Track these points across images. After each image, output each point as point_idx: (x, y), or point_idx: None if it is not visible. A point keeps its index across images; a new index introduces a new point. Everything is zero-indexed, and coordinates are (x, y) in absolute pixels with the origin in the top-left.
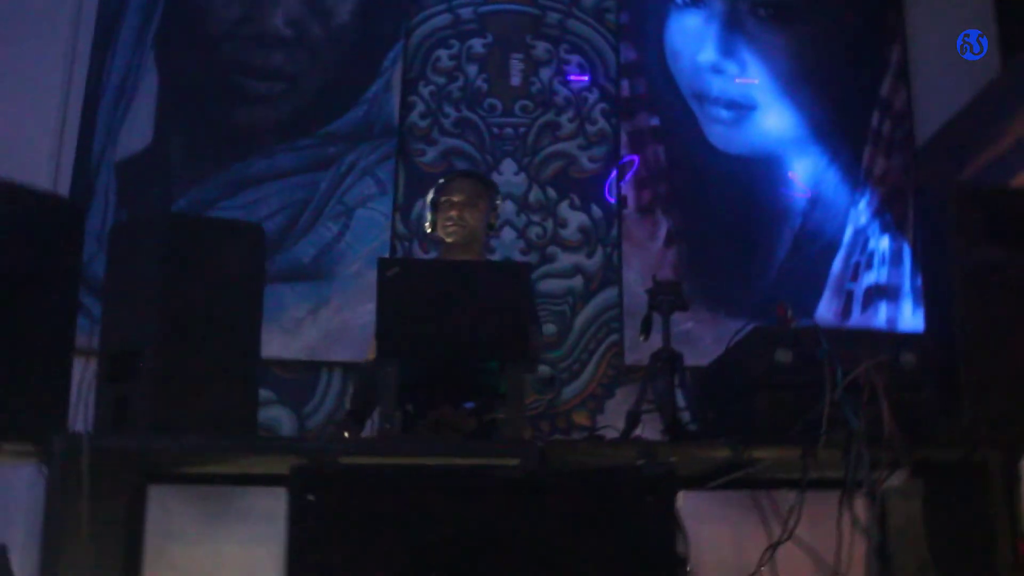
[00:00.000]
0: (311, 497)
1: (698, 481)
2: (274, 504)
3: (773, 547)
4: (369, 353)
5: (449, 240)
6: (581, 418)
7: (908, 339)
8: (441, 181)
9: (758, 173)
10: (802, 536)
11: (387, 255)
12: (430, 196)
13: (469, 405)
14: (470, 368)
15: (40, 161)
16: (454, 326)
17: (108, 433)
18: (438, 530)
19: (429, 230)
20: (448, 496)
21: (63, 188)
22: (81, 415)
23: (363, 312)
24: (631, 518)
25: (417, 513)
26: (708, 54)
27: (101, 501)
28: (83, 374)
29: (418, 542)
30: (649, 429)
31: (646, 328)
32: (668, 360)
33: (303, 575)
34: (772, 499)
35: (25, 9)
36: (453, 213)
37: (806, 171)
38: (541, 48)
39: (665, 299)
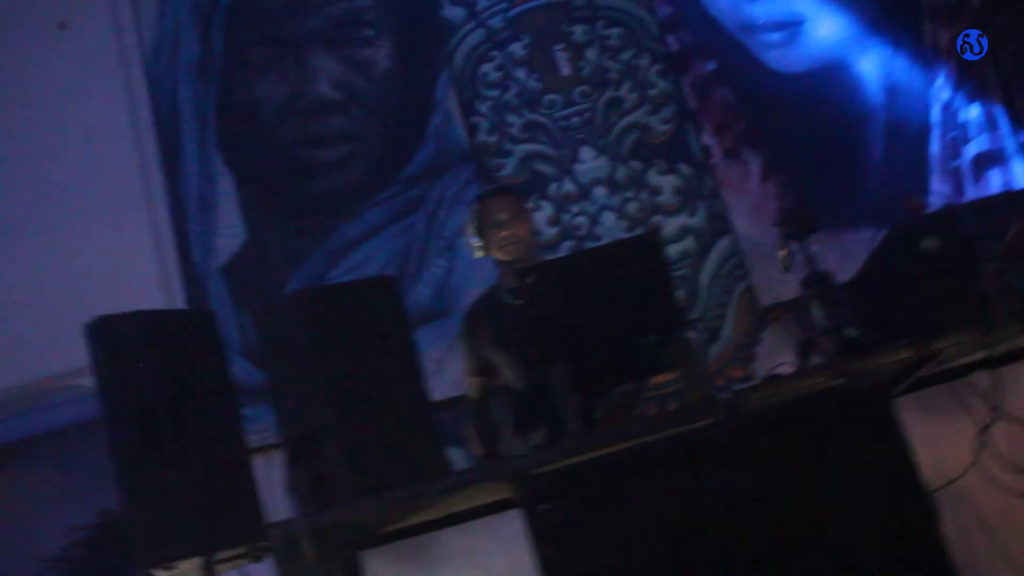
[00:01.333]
0: (545, 507)
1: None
2: (471, 540)
3: (984, 430)
4: (468, 390)
5: (509, 259)
6: (735, 371)
7: None
8: (476, 206)
9: (827, 83)
10: (1012, 411)
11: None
12: (472, 224)
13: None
14: (630, 349)
15: (150, 287)
16: (604, 313)
17: (316, 511)
18: (672, 503)
19: (480, 255)
20: (667, 469)
21: (179, 305)
22: (278, 507)
23: None
24: (854, 437)
25: (645, 493)
26: None
27: None
28: (265, 470)
29: (660, 518)
30: (815, 356)
31: (787, 260)
32: (819, 282)
33: None
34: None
35: (90, 150)
36: (505, 234)
37: (875, 65)
38: (579, 31)
39: (797, 225)
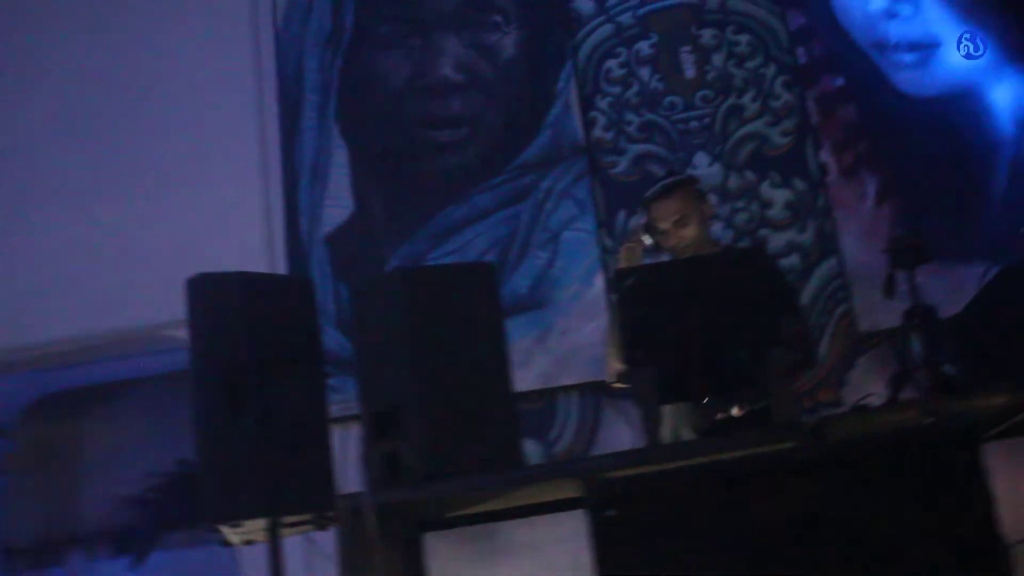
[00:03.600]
0: (611, 512)
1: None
2: (533, 534)
3: None
4: (609, 369)
5: (679, 255)
6: (826, 395)
7: None
8: (645, 205)
9: (956, 110)
10: None
11: (599, 272)
12: (642, 222)
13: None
14: (724, 361)
15: (255, 249)
16: (700, 322)
17: (385, 489)
18: (741, 524)
19: (654, 248)
20: (741, 489)
21: (280, 271)
22: (350, 479)
23: (588, 332)
24: (937, 480)
25: (716, 510)
26: (878, 0)
27: (387, 555)
28: (342, 441)
29: (727, 539)
30: (907, 389)
31: (890, 287)
32: (923, 315)
33: None
34: None
35: (213, 110)
36: (673, 240)
37: (1007, 96)
38: (707, 35)
39: (907, 253)
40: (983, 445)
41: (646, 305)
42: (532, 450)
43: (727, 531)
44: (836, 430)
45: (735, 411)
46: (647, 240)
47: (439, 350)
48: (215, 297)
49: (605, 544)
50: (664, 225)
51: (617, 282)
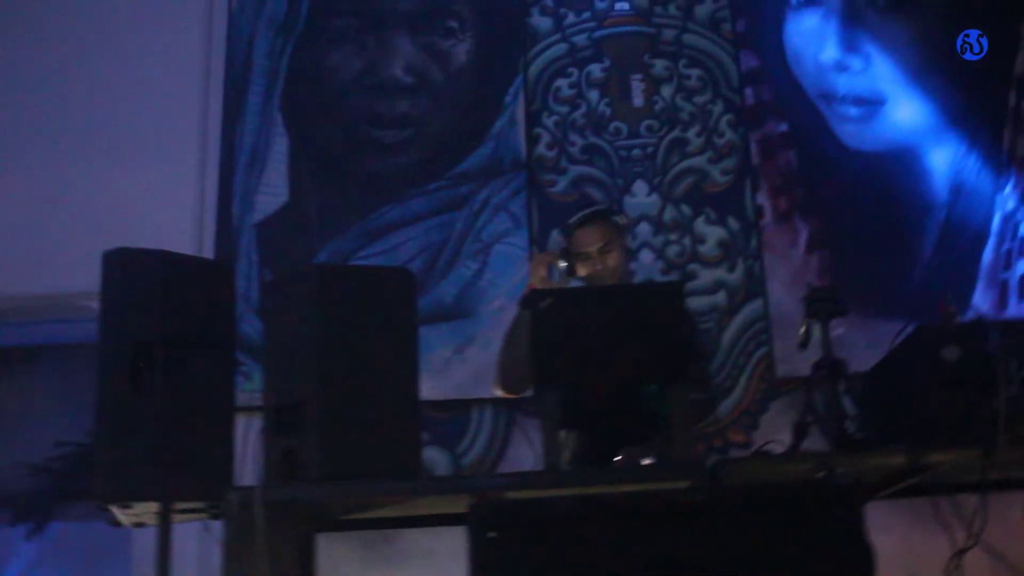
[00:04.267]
0: (492, 534)
1: (870, 490)
2: (433, 543)
3: (959, 554)
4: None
5: (596, 283)
6: (737, 435)
7: None
8: (568, 230)
9: (895, 168)
10: (990, 541)
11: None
12: (562, 246)
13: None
14: (630, 394)
15: (184, 230)
16: (611, 352)
17: (279, 485)
18: (624, 560)
19: (567, 275)
20: (629, 524)
21: (207, 254)
22: (248, 470)
23: None
24: (818, 534)
25: (600, 544)
26: (830, 52)
27: (275, 551)
28: (246, 431)
29: (604, 573)
30: (811, 440)
31: (805, 337)
32: (831, 368)
33: None
34: (953, 504)
35: (157, 83)
36: (598, 266)
37: (945, 160)
38: (660, 66)
39: (822, 305)
40: (876, 502)
41: (560, 328)
42: (440, 460)
43: (606, 566)
44: (732, 474)
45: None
46: (562, 264)
47: (348, 351)
48: (131, 272)
49: (482, 565)
50: (590, 250)
51: (532, 300)
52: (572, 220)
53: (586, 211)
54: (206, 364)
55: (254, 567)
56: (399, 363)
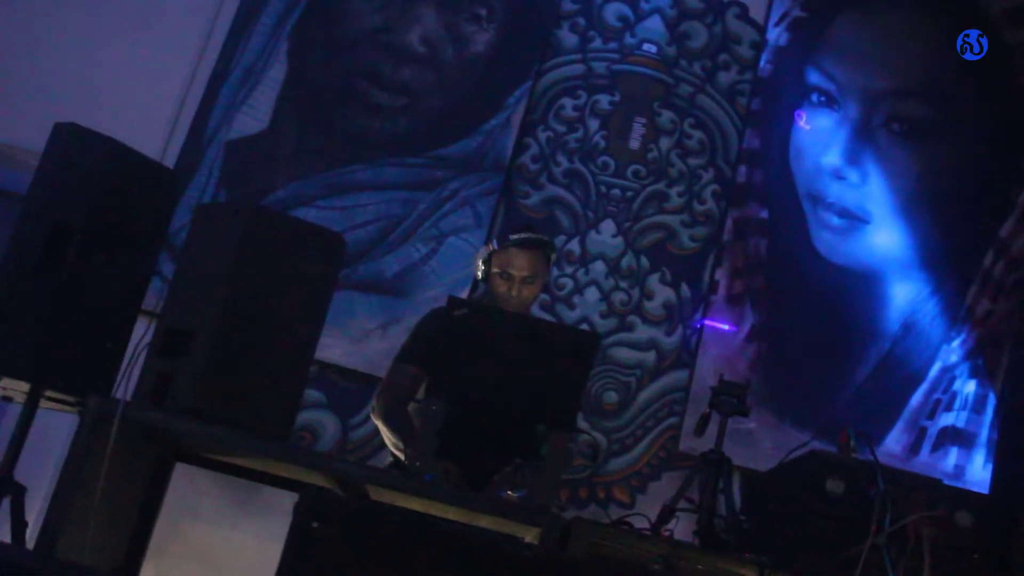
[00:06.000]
0: (315, 524)
1: None
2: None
3: None
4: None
5: (501, 305)
6: (621, 494)
7: (969, 497)
8: (505, 242)
9: (857, 288)
10: None
11: (468, 289)
12: (490, 251)
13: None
14: (516, 426)
15: (157, 126)
16: (509, 381)
17: (145, 406)
18: None
19: (480, 277)
20: (455, 558)
21: (172, 155)
22: (127, 379)
23: None
24: None
25: (419, 568)
26: (832, 158)
27: (124, 467)
28: (140, 339)
29: None
30: (683, 527)
31: (702, 425)
32: (716, 462)
33: None
34: None
35: None
36: (514, 291)
37: (906, 296)
38: (666, 117)
39: (727, 400)
40: None
41: (468, 343)
42: (330, 426)
43: None
44: (585, 536)
45: (510, 493)
46: (480, 269)
47: (256, 297)
48: (75, 151)
49: (296, 551)
50: (517, 273)
51: (448, 308)
52: (516, 237)
53: (533, 235)
54: (124, 262)
55: (93, 478)
56: (303, 324)
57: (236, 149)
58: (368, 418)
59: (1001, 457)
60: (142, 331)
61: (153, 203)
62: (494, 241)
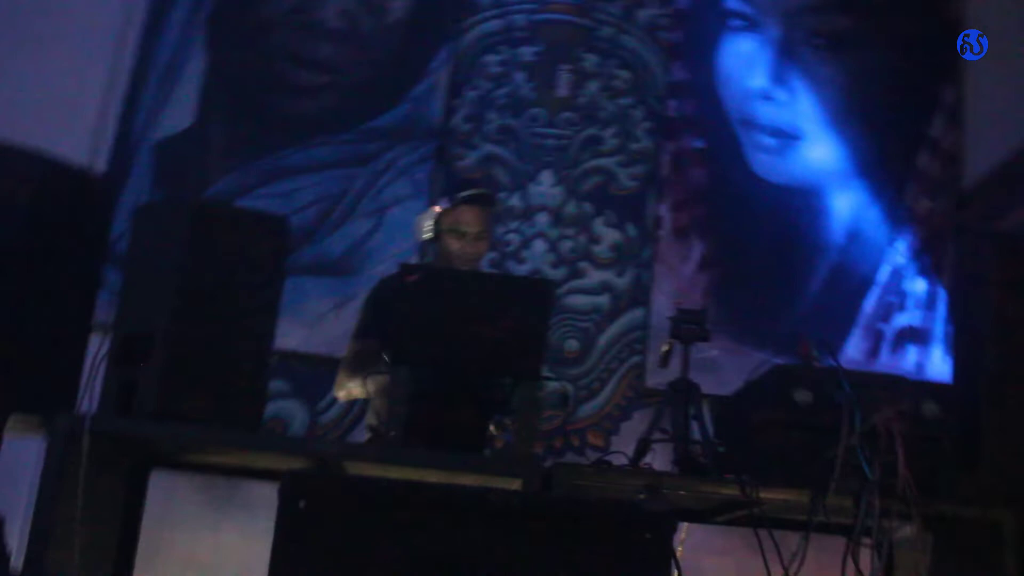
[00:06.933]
0: (302, 504)
1: (705, 515)
2: (274, 495)
3: None
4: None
5: (454, 264)
6: (596, 438)
7: (933, 388)
8: (453, 202)
9: (798, 204)
10: None
11: (415, 258)
12: (438, 212)
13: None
14: (483, 382)
15: (81, 134)
16: (471, 337)
17: (112, 416)
18: (430, 551)
19: (430, 238)
20: (443, 517)
21: (101, 162)
22: (90, 393)
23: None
24: (627, 554)
25: (410, 532)
26: (759, 80)
27: (100, 482)
28: (96, 352)
29: (408, 562)
30: (660, 458)
31: (666, 357)
32: (684, 391)
33: None
34: (777, 540)
35: None
36: (468, 248)
37: (847, 206)
38: (591, 61)
39: (687, 328)
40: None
41: (425, 306)
42: (298, 414)
43: (407, 553)
44: (567, 479)
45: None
46: (428, 230)
47: (207, 292)
48: (3, 170)
49: (287, 533)
50: (468, 230)
51: (400, 276)
52: (462, 194)
53: (477, 191)
54: (69, 277)
55: (73, 494)
56: (259, 313)
57: (167, 148)
58: (335, 401)
59: (958, 347)
60: (97, 346)
61: (85, 214)
62: (442, 201)
